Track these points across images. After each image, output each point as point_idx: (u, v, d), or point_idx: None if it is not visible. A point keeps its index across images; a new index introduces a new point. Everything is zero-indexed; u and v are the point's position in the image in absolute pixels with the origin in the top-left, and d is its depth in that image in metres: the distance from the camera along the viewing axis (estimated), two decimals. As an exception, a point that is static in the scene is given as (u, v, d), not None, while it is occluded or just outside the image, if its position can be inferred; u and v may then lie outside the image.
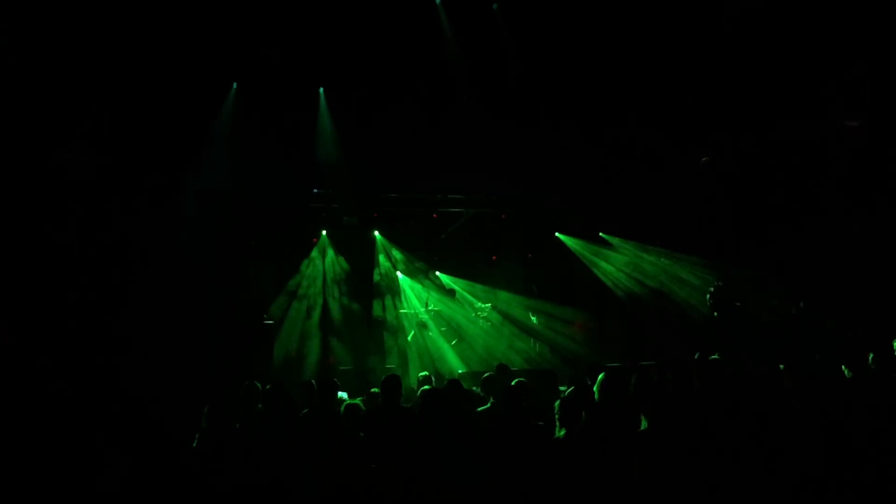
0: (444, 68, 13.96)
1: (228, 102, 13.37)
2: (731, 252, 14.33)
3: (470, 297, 16.13)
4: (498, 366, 9.94)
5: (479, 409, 7.32)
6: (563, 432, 5.73)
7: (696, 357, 8.75)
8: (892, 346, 8.96)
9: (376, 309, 15.75)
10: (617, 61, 13.20)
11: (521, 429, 5.89)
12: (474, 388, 8.83)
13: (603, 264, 16.36)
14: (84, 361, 8.80)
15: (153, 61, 10.77)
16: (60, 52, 9.77)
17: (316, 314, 15.02)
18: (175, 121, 10.85)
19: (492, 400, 7.43)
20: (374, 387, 9.00)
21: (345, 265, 15.66)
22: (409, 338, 15.00)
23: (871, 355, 8.88)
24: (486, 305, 15.73)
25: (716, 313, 12.22)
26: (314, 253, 15.53)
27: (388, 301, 15.92)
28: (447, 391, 7.42)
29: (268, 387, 7.65)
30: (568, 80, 13.85)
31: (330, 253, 15.57)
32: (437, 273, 16.39)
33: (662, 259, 15.78)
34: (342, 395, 8.74)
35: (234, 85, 13.51)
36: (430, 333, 14.99)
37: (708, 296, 12.46)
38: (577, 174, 15.13)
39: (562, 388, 9.01)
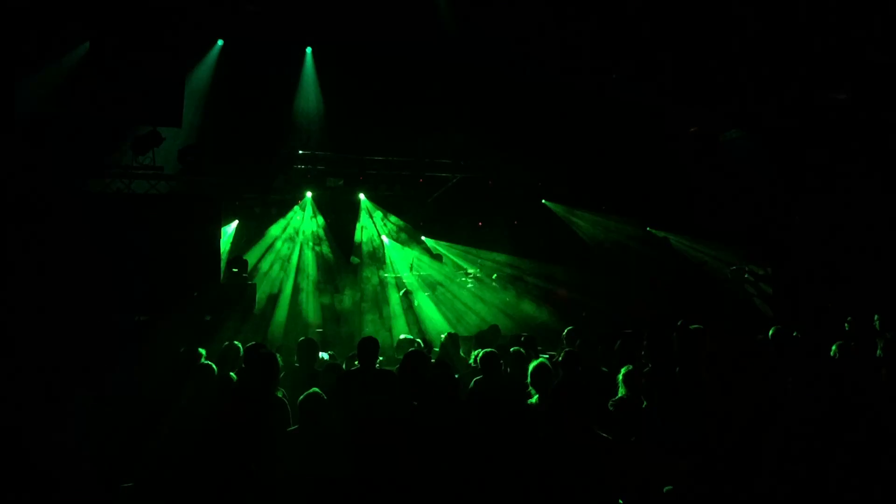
0: (433, 29, 13.73)
1: (211, 58, 13.12)
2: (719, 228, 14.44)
3: (457, 260, 16.14)
4: (490, 326, 9.97)
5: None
6: (535, 398, 5.77)
7: (678, 325, 8.73)
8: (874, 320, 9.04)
9: (361, 271, 15.70)
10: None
11: (497, 394, 5.89)
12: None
13: (589, 230, 16.42)
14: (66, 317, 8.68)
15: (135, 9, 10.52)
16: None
17: (298, 275, 14.95)
18: (154, 74, 10.61)
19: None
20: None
21: (329, 226, 15.56)
22: (393, 301, 14.96)
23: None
24: (474, 269, 15.75)
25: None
26: (297, 213, 15.41)
27: (373, 263, 15.87)
28: (427, 356, 7.40)
29: (250, 345, 7.64)
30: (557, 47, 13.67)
31: (314, 214, 15.45)
32: (423, 237, 16.33)
33: (648, 230, 15.83)
34: (324, 355, 8.75)
35: (220, 42, 13.25)
36: (415, 297, 14.95)
37: None
38: (566, 141, 15.06)
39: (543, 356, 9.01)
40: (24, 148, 8.83)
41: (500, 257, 16.14)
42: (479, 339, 8.84)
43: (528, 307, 14.99)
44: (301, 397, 5.51)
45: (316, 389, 5.56)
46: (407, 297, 14.78)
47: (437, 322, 14.23)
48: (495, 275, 15.74)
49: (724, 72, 12.90)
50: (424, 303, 14.86)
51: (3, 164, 8.59)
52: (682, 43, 12.72)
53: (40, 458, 5.16)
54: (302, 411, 5.45)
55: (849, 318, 10.15)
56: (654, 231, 15.65)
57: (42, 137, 9.15)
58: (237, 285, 12.02)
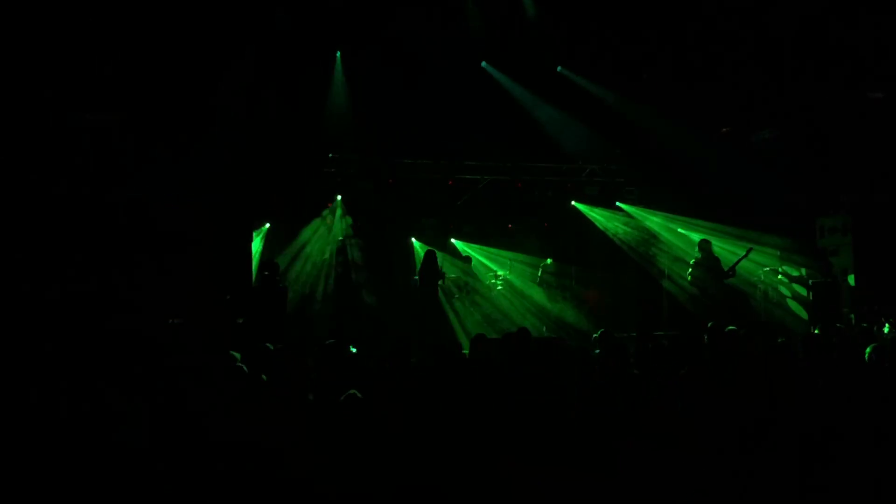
0: (461, 33, 13.79)
1: (244, 62, 13.28)
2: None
3: (487, 262, 16.11)
4: (519, 329, 9.92)
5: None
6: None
7: (710, 327, 8.63)
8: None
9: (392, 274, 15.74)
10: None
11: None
12: None
13: (619, 233, 16.29)
14: (97, 323, 8.84)
15: (168, 21, 10.70)
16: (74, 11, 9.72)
17: (329, 277, 15.03)
18: (188, 82, 10.78)
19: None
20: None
21: (359, 228, 15.62)
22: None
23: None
24: (503, 272, 15.71)
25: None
26: (328, 216, 15.51)
27: (403, 266, 15.91)
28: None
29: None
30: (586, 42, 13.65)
31: (343, 217, 15.54)
32: (452, 240, 16.34)
33: (681, 230, 15.65)
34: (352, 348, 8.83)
35: (252, 46, 13.41)
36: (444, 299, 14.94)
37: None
38: (596, 141, 15.03)
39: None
40: (63, 157, 9.03)
41: (533, 260, 16.08)
42: (507, 342, 8.79)
43: (568, 314, 14.89)
44: (342, 397, 5.37)
45: (354, 391, 5.54)
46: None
47: (466, 323, 14.22)
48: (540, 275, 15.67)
49: (756, 70, 12.79)
50: (456, 305, 14.85)
51: (41, 171, 8.80)
52: (714, 41, 12.65)
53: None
54: (343, 412, 5.31)
55: (891, 320, 9.94)
56: (686, 232, 15.47)
57: (79, 146, 9.35)
58: (269, 288, 12.14)
